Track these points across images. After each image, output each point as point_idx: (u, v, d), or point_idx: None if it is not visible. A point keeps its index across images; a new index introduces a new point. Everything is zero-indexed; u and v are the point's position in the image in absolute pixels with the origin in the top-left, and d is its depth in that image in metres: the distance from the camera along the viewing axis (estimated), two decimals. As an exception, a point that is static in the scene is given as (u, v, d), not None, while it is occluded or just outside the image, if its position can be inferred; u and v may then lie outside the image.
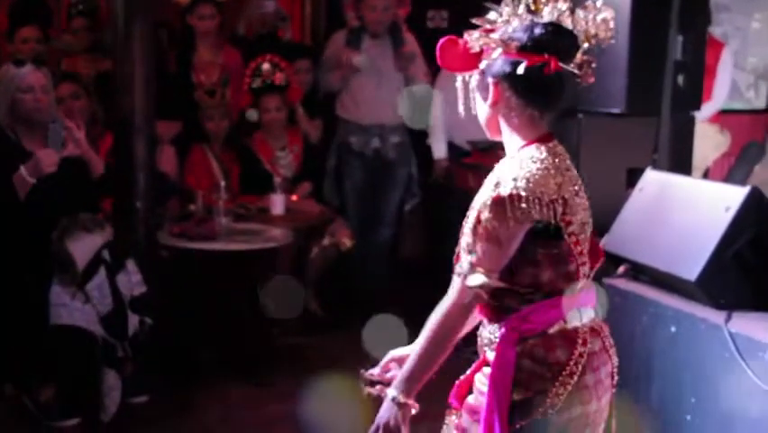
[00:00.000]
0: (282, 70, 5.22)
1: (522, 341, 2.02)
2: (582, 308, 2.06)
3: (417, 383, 2.07)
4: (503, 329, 2.04)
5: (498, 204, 1.95)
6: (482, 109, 2.12)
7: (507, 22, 2.04)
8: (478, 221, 1.99)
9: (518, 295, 2.03)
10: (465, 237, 2.04)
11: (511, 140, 2.09)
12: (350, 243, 5.08)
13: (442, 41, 2.08)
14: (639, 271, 3.16)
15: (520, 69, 1.99)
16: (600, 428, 2.11)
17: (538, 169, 1.99)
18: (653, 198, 3.23)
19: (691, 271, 2.80)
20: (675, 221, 3.04)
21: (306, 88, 5.52)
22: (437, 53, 2.10)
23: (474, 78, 2.10)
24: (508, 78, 2.02)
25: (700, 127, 4.31)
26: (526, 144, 2.06)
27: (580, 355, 2.01)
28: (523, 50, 2.00)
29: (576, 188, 2.05)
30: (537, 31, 2.01)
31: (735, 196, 2.85)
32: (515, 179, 1.96)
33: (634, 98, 3.64)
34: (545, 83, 2.02)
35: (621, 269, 3.24)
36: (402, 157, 5.43)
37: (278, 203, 4.90)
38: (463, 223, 2.08)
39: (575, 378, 2.00)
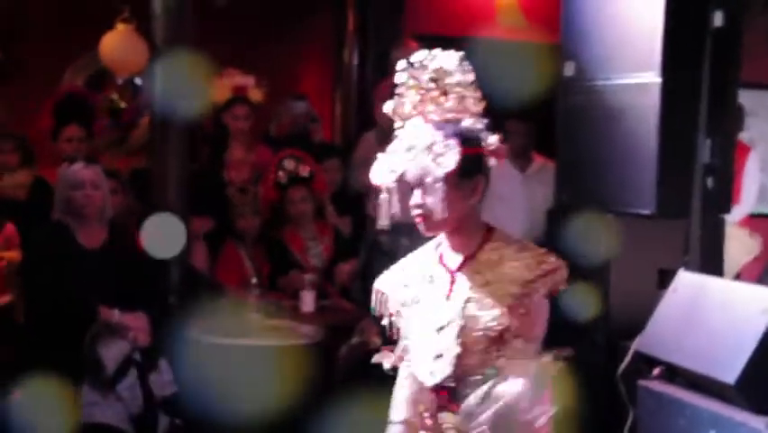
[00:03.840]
0: (305, 163, 5.28)
1: None
2: None
3: None
4: None
5: (549, 279, 2.13)
6: (458, 207, 2.19)
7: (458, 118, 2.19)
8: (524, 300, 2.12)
9: None
10: (501, 318, 2.13)
11: (476, 226, 2.24)
12: (379, 341, 5.06)
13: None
14: (674, 373, 3.13)
15: (493, 161, 2.20)
16: None
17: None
18: (687, 299, 3.22)
19: (730, 373, 2.78)
20: (711, 322, 3.03)
21: (336, 187, 5.60)
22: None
23: (437, 180, 2.16)
24: (485, 171, 2.20)
25: (730, 230, 4.32)
26: (489, 226, 2.25)
27: None
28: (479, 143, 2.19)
29: None
30: (485, 123, 2.21)
31: (771, 298, 2.84)
32: (542, 255, 2.16)
33: (663, 200, 3.66)
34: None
35: (656, 371, 3.21)
36: None
37: (308, 300, 4.91)
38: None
39: None
